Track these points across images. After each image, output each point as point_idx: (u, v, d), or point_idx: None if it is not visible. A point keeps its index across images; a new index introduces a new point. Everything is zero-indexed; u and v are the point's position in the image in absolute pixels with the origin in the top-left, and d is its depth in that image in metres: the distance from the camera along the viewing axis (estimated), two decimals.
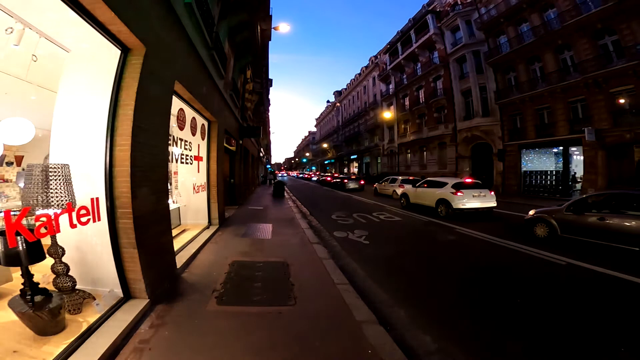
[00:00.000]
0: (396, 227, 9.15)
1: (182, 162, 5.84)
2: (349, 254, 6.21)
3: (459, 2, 24.46)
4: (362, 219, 10.51)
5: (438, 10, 27.70)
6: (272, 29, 15.56)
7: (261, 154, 38.40)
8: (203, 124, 7.24)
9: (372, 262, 5.66)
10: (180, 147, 5.81)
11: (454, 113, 27.05)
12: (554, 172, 18.60)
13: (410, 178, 18.87)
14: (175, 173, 7.26)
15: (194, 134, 6.48)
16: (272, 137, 63.91)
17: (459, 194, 10.42)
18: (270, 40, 22.31)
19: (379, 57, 42.20)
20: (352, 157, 53.70)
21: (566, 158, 17.69)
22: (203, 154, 7.37)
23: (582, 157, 17.07)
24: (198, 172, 7.14)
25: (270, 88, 36.57)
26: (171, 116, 4.32)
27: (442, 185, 11.35)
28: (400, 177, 18.80)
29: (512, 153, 20.83)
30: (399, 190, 16.94)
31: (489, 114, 23.05)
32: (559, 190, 17.90)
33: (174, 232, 6.73)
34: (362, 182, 26.22)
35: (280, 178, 45.66)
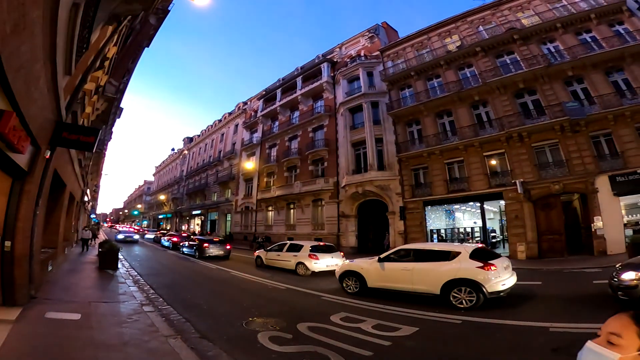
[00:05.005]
0: None
1: None
2: None
3: (362, 55, 23.63)
4: (334, 340, 4.36)
5: (335, 60, 26.39)
6: None
7: (86, 198, 24.57)
8: None
9: None
10: None
11: (337, 166, 23.31)
12: (469, 228, 15.95)
13: (322, 244, 12.39)
14: None
15: None
16: (102, 181, 44.16)
17: (492, 268, 6.00)
18: (149, 43, 13.35)
19: (249, 103, 37.02)
20: (194, 212, 42.85)
21: (483, 213, 15.51)
22: None
23: (497, 212, 15.24)
24: None
25: (117, 119, 23.53)
26: None
27: (447, 255, 6.56)
28: (308, 243, 12.11)
29: (416, 210, 17.50)
30: (313, 264, 11.03)
31: (385, 167, 20.18)
32: None
33: None
34: (229, 246, 17.16)
35: (123, 235, 27.14)
